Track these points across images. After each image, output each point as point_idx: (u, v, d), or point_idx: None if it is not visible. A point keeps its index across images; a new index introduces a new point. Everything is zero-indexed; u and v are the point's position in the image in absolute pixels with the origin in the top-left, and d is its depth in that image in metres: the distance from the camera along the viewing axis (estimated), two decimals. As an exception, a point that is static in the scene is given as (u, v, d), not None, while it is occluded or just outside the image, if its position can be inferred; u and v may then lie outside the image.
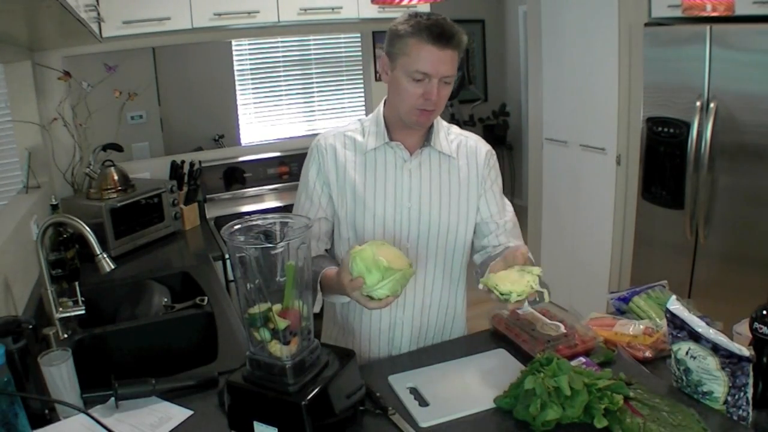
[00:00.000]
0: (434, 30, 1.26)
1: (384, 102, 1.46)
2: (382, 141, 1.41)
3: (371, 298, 1.18)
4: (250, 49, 4.21)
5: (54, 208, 2.14)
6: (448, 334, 1.55)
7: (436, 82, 1.29)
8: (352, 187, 1.41)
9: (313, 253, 1.42)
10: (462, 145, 1.47)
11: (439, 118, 1.47)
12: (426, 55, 1.27)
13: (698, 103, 2.60)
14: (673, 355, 1.20)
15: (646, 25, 2.89)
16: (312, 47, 4.27)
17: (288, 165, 3.08)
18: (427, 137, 1.43)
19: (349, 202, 1.42)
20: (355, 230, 1.42)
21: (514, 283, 1.21)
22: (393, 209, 1.41)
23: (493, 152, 1.51)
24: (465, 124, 5.65)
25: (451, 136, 1.47)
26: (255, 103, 4.28)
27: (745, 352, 1.07)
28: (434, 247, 1.45)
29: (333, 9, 2.70)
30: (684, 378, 1.18)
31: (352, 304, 1.49)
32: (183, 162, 2.85)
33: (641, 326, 1.41)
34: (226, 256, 2.33)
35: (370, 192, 1.41)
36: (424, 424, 1.13)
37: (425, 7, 2.79)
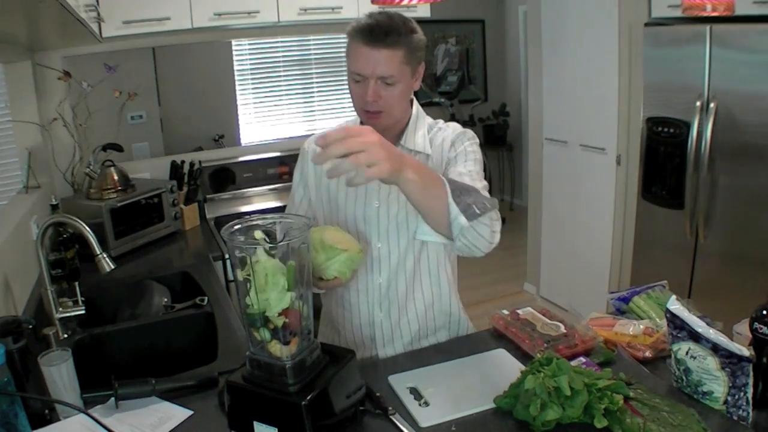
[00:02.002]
0: (365, 30, 1.25)
1: None
2: None
3: (321, 279, 1.25)
4: (250, 49, 4.20)
5: (54, 208, 2.14)
6: (435, 339, 1.52)
7: (372, 82, 1.27)
8: (327, 189, 1.44)
9: None
10: (437, 143, 1.41)
11: (423, 116, 1.44)
12: (359, 55, 1.27)
13: (698, 103, 2.60)
14: (673, 355, 1.20)
15: (646, 25, 2.89)
16: (312, 47, 4.27)
17: (288, 165, 3.08)
18: (399, 137, 1.40)
19: (325, 204, 1.45)
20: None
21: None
22: (363, 209, 1.41)
23: (467, 132, 1.41)
24: (465, 124, 5.64)
25: (430, 134, 1.43)
26: (255, 103, 4.27)
27: (745, 352, 1.07)
28: (405, 246, 1.42)
29: (333, 9, 2.70)
30: (684, 378, 1.18)
31: (333, 301, 1.51)
32: (183, 162, 2.86)
33: (641, 326, 1.41)
34: (226, 256, 2.33)
35: (342, 193, 1.42)
36: (424, 424, 1.13)
37: (425, 7, 2.79)
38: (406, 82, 1.31)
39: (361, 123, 1.39)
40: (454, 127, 1.44)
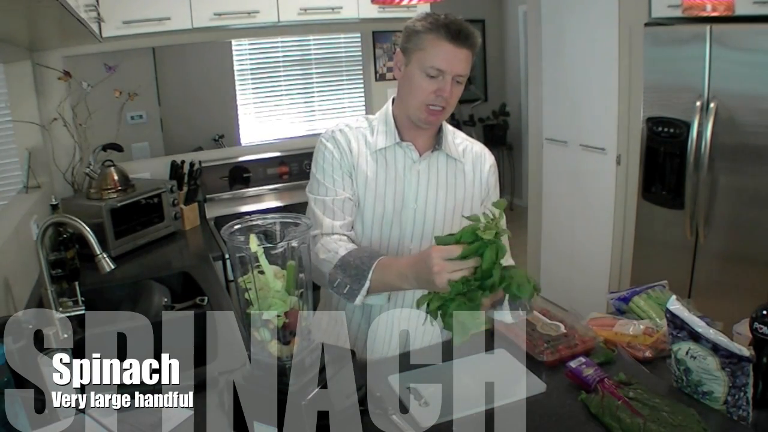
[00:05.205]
0: (452, 27, 1.29)
1: (393, 101, 1.45)
2: (392, 140, 1.41)
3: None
4: (250, 49, 4.20)
5: (54, 208, 2.14)
6: (428, 341, 1.51)
7: (450, 79, 1.30)
8: (364, 180, 1.41)
9: (344, 229, 1.37)
10: (468, 151, 1.49)
11: (445, 122, 1.48)
12: (442, 52, 1.29)
13: (698, 103, 2.60)
14: (673, 355, 1.20)
15: (646, 25, 2.89)
16: (312, 47, 4.27)
17: (288, 165, 3.08)
18: (437, 140, 1.44)
19: (360, 194, 1.41)
20: (362, 224, 1.41)
21: None
22: (400, 208, 1.41)
23: (492, 157, 1.53)
24: (465, 124, 5.65)
25: (457, 140, 1.48)
26: (255, 103, 4.27)
27: (745, 352, 1.07)
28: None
29: (333, 9, 2.70)
30: (684, 378, 1.18)
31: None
32: (183, 162, 2.86)
33: (641, 326, 1.41)
34: (226, 256, 2.33)
35: (381, 189, 1.41)
36: (424, 424, 1.13)
37: (425, 7, 2.79)
38: (465, 84, 1.35)
39: (396, 125, 1.40)
40: (483, 147, 1.52)
